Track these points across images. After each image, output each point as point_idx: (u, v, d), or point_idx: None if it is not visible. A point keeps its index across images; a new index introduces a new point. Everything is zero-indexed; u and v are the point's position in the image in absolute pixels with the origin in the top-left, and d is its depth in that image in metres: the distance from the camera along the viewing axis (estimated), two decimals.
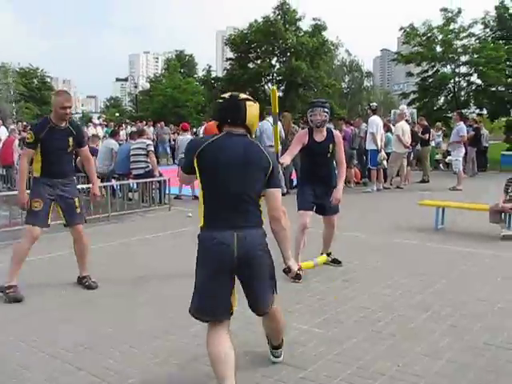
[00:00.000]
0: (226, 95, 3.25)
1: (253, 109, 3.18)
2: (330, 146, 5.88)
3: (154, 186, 11.23)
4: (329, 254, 6.43)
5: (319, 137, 5.89)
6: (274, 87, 5.49)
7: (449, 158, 15.81)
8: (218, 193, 3.10)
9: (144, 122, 24.63)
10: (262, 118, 13.30)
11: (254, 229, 3.15)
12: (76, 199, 5.67)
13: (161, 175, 11.51)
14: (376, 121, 13.55)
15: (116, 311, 4.90)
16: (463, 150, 13.92)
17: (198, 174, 3.14)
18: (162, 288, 5.51)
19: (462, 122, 13.87)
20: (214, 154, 3.08)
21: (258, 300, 3.27)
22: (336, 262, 6.40)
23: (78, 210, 5.70)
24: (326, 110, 5.81)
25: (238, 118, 3.14)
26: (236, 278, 3.17)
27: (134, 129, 20.32)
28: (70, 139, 5.56)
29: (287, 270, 3.53)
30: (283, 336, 3.72)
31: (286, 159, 5.81)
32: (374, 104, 14.35)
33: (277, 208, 3.23)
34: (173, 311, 4.74)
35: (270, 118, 12.81)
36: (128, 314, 4.80)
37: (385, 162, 13.85)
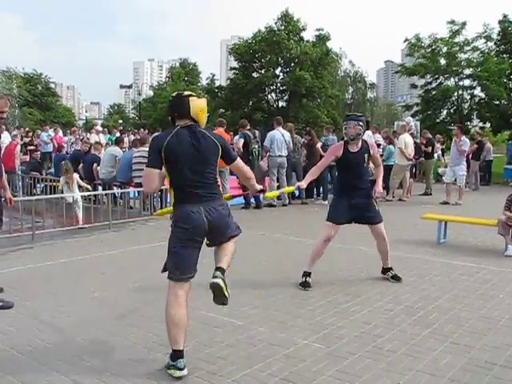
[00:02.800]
0: (174, 94, 4.00)
1: (196, 103, 3.83)
2: (366, 155, 6.00)
3: (155, 195, 11.20)
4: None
5: (354, 148, 5.98)
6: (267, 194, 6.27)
7: (441, 169, 15.66)
8: (182, 176, 3.78)
9: (146, 130, 24.61)
10: (270, 127, 13.35)
11: (215, 199, 3.87)
12: None
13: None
14: (367, 133, 13.55)
15: (108, 320, 4.86)
16: (465, 164, 13.85)
17: (165, 165, 3.78)
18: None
19: (464, 137, 13.76)
20: (175, 145, 3.74)
21: (224, 238, 4.01)
22: (396, 278, 6.25)
23: None
24: (360, 123, 5.90)
25: (182, 111, 3.82)
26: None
27: (137, 136, 20.29)
28: None
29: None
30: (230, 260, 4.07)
31: (314, 172, 6.19)
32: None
33: (246, 172, 4.25)
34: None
35: (280, 128, 12.87)
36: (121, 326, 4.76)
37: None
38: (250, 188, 4.50)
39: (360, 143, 5.99)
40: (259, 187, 4.50)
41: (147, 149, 11.93)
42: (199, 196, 3.78)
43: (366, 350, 4.20)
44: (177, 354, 3.73)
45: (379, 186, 6.25)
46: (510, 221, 7.75)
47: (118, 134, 20.84)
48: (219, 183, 4.00)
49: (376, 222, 6.10)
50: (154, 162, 3.78)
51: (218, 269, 3.86)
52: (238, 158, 4.17)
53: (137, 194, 11.86)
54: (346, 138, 6.00)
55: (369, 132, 13.69)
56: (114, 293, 5.73)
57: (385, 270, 6.36)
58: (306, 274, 6.01)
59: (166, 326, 3.77)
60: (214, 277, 3.77)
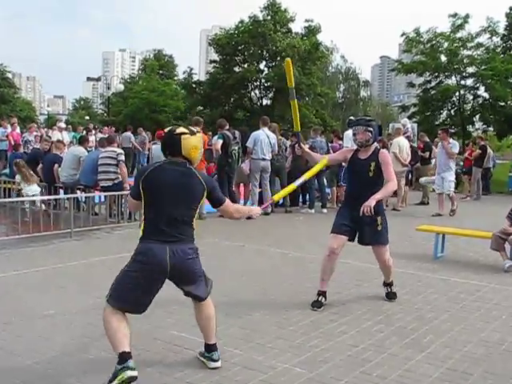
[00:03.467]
0: (166, 130, 4.20)
1: (187, 141, 4.03)
2: (372, 164, 5.84)
3: (123, 200, 11.11)
4: (387, 285, 6.34)
5: (363, 154, 5.95)
6: (288, 59, 5.81)
7: (423, 179, 15.62)
8: (156, 212, 3.98)
9: (113, 128, 24.41)
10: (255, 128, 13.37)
11: (185, 243, 3.98)
12: None
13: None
14: (350, 135, 13.58)
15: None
16: (454, 169, 13.85)
17: (142, 195, 4.01)
18: None
19: (451, 139, 13.71)
20: (155, 179, 3.98)
21: (194, 293, 4.14)
22: (389, 296, 6.27)
23: None
24: (369, 128, 5.86)
25: (174, 150, 4.06)
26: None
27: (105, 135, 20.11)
28: None
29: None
30: (215, 331, 4.32)
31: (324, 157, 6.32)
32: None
33: (231, 214, 4.47)
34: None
35: (266, 129, 12.89)
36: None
37: None
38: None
39: (371, 151, 5.94)
40: (257, 209, 4.98)
41: (115, 149, 11.93)
42: (168, 235, 3.93)
43: (353, 375, 4.17)
44: (125, 356, 3.74)
45: (370, 200, 5.53)
46: (504, 235, 7.82)
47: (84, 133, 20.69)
48: (194, 227, 4.10)
49: (376, 244, 6.01)
50: (133, 192, 4.14)
51: (209, 348, 4.27)
52: (227, 201, 4.39)
53: (103, 199, 11.75)
54: (355, 144, 6.05)
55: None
56: (72, 310, 5.65)
57: (384, 284, 6.37)
58: (320, 293, 5.97)
59: (108, 337, 3.91)
60: (213, 360, 4.24)
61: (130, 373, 3.67)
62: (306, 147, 6.27)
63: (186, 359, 4.43)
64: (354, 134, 5.98)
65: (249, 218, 11.57)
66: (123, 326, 3.88)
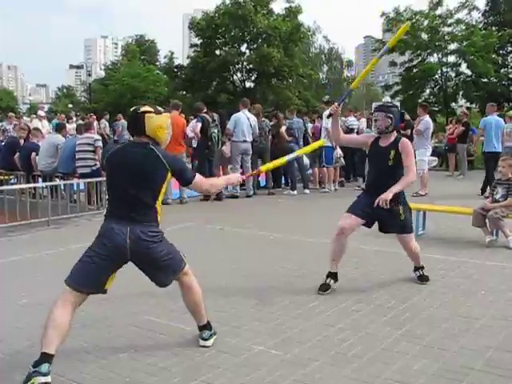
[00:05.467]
0: (131, 109, 4.10)
1: (151, 120, 3.90)
2: (392, 152, 5.63)
3: (103, 187, 10.99)
4: (417, 269, 6.14)
5: (384, 142, 5.77)
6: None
7: None
8: (116, 192, 3.98)
9: (94, 116, 24.20)
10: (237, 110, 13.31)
11: (145, 226, 3.88)
12: None
13: None
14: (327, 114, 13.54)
15: None
16: (430, 149, 13.69)
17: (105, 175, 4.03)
18: (99, 303, 5.30)
19: (427, 116, 13.53)
20: (114, 160, 3.96)
21: (154, 280, 4.11)
22: (421, 278, 6.08)
23: None
24: (390, 115, 5.68)
25: (137, 130, 3.96)
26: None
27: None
28: None
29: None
30: (204, 312, 4.29)
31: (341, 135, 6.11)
32: (327, 97, 14.40)
33: (207, 189, 4.51)
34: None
35: (246, 111, 12.79)
36: None
37: (342, 160, 14.28)
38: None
39: (392, 139, 5.74)
40: (235, 176, 4.77)
41: (92, 135, 11.78)
42: (127, 217, 3.86)
43: (329, 355, 4.12)
44: (43, 358, 3.60)
45: (387, 193, 5.40)
46: (484, 211, 7.82)
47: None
48: (158, 210, 3.98)
49: (400, 233, 5.85)
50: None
51: (200, 328, 4.30)
52: (197, 179, 4.14)
53: (82, 187, 11.60)
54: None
55: (326, 113, 13.66)
56: (47, 298, 5.54)
57: (415, 269, 6.16)
58: (328, 275, 5.78)
59: (44, 328, 3.72)
60: (203, 339, 4.28)
61: (41, 379, 3.51)
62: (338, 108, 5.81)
63: (160, 345, 4.36)
64: (375, 121, 5.82)
65: (234, 196, 11.58)
66: (62, 322, 3.73)
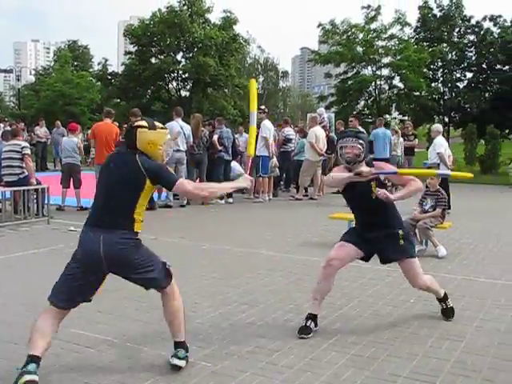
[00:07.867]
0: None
1: (143, 135, 3.91)
2: (373, 184, 4.88)
3: (33, 196, 10.71)
4: (441, 300, 5.42)
5: None
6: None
7: None
8: (99, 198, 3.99)
9: (22, 123, 23.73)
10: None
11: (120, 232, 3.84)
12: None
13: (39, 183, 11.00)
14: (267, 125, 13.86)
15: None
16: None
17: None
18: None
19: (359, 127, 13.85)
20: (104, 167, 4.09)
21: (142, 285, 4.13)
22: (445, 313, 5.36)
23: None
24: (360, 140, 4.89)
25: (129, 143, 3.97)
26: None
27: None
28: None
29: None
30: (183, 328, 4.14)
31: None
32: (262, 107, 14.64)
33: (187, 193, 4.16)
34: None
35: (180, 120, 12.76)
36: None
37: (277, 170, 14.57)
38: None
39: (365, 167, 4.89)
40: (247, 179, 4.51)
41: (20, 142, 11.44)
42: (102, 222, 3.86)
43: (259, 366, 4.13)
44: (29, 359, 3.67)
45: (391, 195, 4.91)
46: (414, 221, 8.05)
47: None
48: (136, 218, 3.93)
49: (401, 257, 5.06)
50: None
51: (176, 345, 4.09)
52: (180, 180, 4.03)
53: (8, 195, 11.28)
54: (342, 162, 5.08)
55: (267, 122, 14.09)
56: None
57: (438, 300, 5.46)
58: (308, 317, 4.93)
59: (30, 333, 3.79)
60: (177, 357, 4.03)
61: (27, 377, 3.57)
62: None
63: (86, 358, 4.27)
64: (341, 148, 4.94)
65: (168, 206, 11.39)
66: (45, 329, 3.82)
